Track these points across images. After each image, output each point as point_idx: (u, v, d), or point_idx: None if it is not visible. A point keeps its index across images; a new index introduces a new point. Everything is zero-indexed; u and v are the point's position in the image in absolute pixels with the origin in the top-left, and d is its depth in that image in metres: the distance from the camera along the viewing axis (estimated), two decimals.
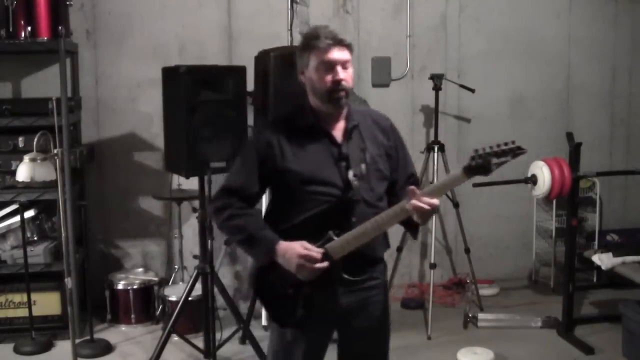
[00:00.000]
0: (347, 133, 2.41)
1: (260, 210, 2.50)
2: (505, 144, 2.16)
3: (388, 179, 2.47)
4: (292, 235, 2.35)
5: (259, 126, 2.43)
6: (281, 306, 2.42)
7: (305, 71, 2.41)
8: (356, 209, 2.35)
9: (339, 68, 2.36)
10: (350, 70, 2.39)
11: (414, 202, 2.23)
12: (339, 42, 2.37)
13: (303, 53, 2.41)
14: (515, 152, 2.15)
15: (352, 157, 2.38)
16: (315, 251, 2.30)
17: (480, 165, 2.15)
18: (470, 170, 2.17)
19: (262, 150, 2.39)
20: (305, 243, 2.31)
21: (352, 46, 2.41)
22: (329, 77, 2.35)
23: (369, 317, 2.49)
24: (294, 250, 2.30)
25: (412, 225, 2.43)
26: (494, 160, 2.15)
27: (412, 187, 2.29)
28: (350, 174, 2.36)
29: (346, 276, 2.38)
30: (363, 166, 2.37)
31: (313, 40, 2.38)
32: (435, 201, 2.26)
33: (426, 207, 2.24)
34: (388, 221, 2.30)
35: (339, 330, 2.54)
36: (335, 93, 2.36)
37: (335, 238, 2.31)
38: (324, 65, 2.36)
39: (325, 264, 2.30)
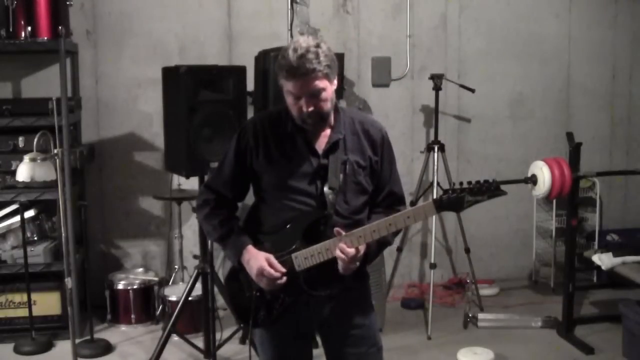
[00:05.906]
0: (330, 145, 2.30)
1: (236, 210, 2.48)
2: (486, 181, 2.10)
3: (368, 193, 2.37)
4: (264, 238, 2.34)
5: (243, 123, 2.36)
6: (245, 306, 2.40)
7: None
8: (328, 222, 2.28)
9: (303, 100, 2.18)
10: (323, 94, 2.18)
11: (337, 244, 2.18)
12: (294, 74, 2.14)
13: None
14: (493, 192, 2.10)
15: (330, 169, 2.27)
16: (276, 268, 2.27)
17: (452, 201, 2.11)
18: (440, 204, 2.13)
19: (242, 150, 2.35)
20: (270, 257, 2.28)
21: (326, 66, 2.16)
22: (295, 107, 2.22)
23: (344, 325, 2.42)
24: (256, 261, 2.29)
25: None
26: (468, 198, 2.11)
27: (337, 228, 2.22)
28: (326, 187, 2.26)
29: (307, 289, 2.31)
30: (340, 177, 2.27)
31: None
32: (349, 251, 2.17)
33: (341, 255, 2.18)
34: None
35: (320, 335, 2.50)
36: (304, 121, 2.23)
37: (301, 249, 2.28)
38: (290, 94, 2.21)
39: (284, 279, 2.27)
